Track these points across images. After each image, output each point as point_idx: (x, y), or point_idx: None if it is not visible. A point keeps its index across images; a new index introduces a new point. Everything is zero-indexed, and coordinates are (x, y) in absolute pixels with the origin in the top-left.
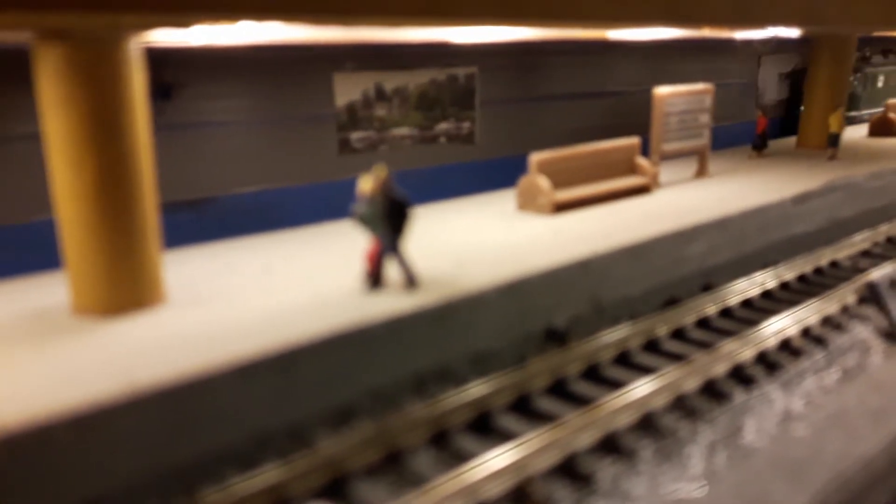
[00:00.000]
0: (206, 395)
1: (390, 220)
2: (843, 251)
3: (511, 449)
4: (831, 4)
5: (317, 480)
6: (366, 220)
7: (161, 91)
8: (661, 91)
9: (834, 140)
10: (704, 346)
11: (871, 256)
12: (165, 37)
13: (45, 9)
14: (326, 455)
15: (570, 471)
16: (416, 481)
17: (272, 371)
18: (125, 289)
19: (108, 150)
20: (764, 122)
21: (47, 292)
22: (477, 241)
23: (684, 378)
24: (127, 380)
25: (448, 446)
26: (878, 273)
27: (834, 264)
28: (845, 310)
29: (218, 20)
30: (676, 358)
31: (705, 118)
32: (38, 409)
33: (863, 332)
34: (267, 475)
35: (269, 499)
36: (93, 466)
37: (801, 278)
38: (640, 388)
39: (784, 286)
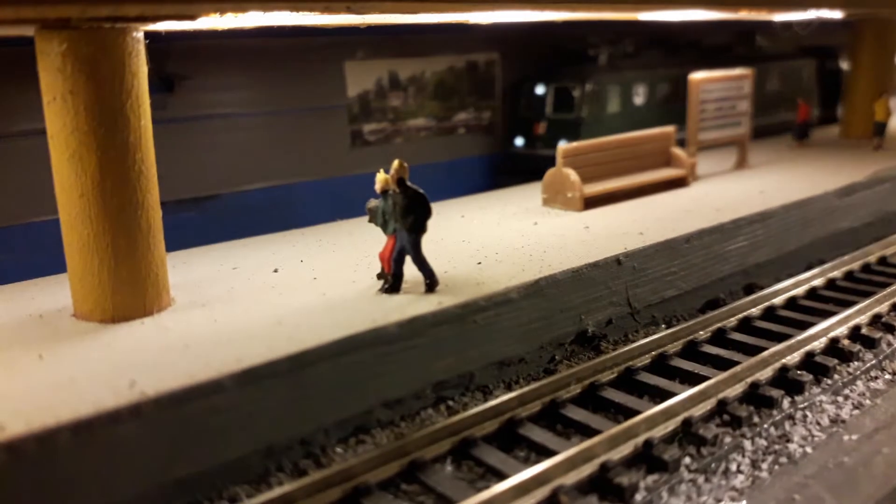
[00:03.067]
0: (211, 404)
1: (407, 218)
2: (892, 247)
3: (540, 461)
4: None
5: (331, 496)
6: (381, 218)
7: (163, 83)
8: (696, 77)
9: (880, 129)
10: (747, 349)
11: None
12: (169, 27)
13: (47, 3)
14: (340, 468)
15: (604, 484)
16: (436, 497)
17: (281, 378)
18: (128, 292)
19: (110, 144)
20: (806, 109)
21: (49, 296)
22: (500, 239)
23: (726, 384)
24: (129, 387)
25: (471, 459)
26: None
27: (883, 261)
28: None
29: (225, 11)
30: (718, 363)
31: (744, 105)
32: (38, 416)
33: None
34: (277, 490)
35: None
36: (94, 477)
37: (849, 276)
38: (680, 396)
39: (831, 284)
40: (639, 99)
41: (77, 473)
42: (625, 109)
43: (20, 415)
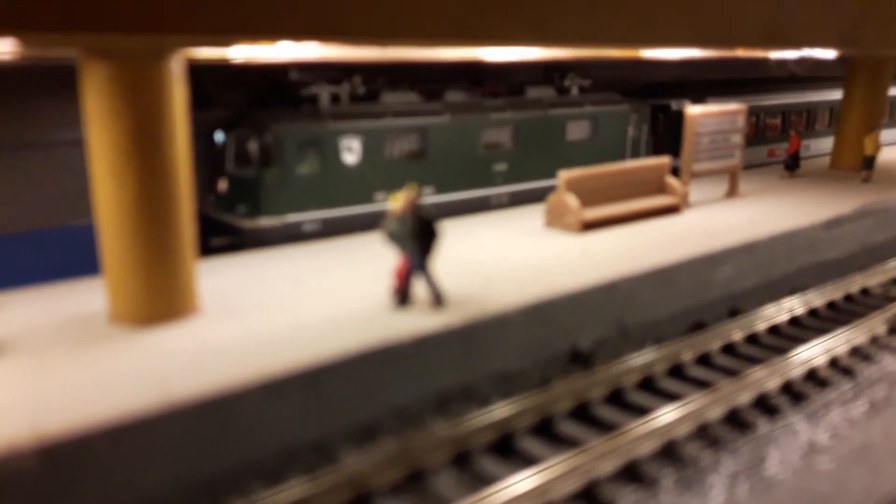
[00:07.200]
0: (235, 409)
1: (419, 239)
2: (874, 278)
3: (533, 474)
4: (869, 26)
5: (341, 497)
6: (395, 238)
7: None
8: (693, 111)
9: (869, 162)
10: (730, 373)
11: None
12: (206, 53)
13: (93, 30)
14: (351, 472)
15: (592, 497)
16: (439, 500)
17: (303, 385)
18: (161, 298)
19: (149, 162)
20: (797, 142)
21: (84, 299)
22: (504, 259)
23: (708, 406)
24: (162, 391)
25: (470, 467)
26: None
27: (865, 292)
28: (875, 340)
29: (258, 40)
30: (701, 385)
31: (737, 138)
32: (79, 417)
33: (892, 363)
34: (292, 490)
35: None
36: (128, 476)
37: (831, 305)
38: (664, 416)
39: (813, 313)
40: (351, 157)
41: (112, 472)
42: (328, 170)
43: (62, 414)
